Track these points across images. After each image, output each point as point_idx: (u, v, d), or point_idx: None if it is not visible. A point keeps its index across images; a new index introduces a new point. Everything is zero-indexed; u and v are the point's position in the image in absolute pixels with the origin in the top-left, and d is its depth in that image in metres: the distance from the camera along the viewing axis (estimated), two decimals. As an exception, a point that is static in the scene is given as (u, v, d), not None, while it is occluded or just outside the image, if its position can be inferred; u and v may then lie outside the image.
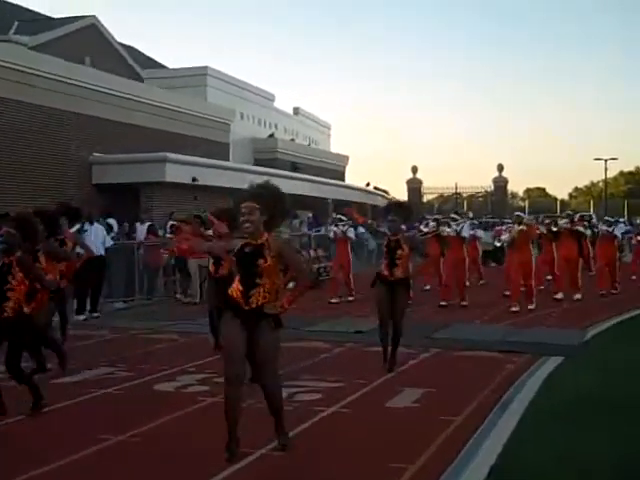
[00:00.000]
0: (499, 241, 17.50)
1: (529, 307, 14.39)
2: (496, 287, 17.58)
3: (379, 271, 9.03)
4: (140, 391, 8.05)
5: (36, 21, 32.00)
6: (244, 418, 5.82)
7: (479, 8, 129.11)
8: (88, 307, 13.79)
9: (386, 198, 48.01)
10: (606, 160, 54.98)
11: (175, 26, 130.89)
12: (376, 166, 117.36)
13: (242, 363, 5.60)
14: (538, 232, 16.17)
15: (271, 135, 40.57)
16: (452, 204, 46.77)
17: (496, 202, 42.67)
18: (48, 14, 35.31)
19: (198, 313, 12.86)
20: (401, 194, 48.40)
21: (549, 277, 17.38)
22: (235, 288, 5.64)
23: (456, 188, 45.25)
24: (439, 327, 12.12)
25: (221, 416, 5.71)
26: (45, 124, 22.89)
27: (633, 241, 21.54)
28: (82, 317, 13.38)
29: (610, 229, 17.97)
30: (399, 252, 8.80)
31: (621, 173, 77.24)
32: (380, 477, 5.34)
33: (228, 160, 32.14)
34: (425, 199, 46.89)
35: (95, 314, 13.81)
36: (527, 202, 52.41)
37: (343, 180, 45.26)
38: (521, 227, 14.77)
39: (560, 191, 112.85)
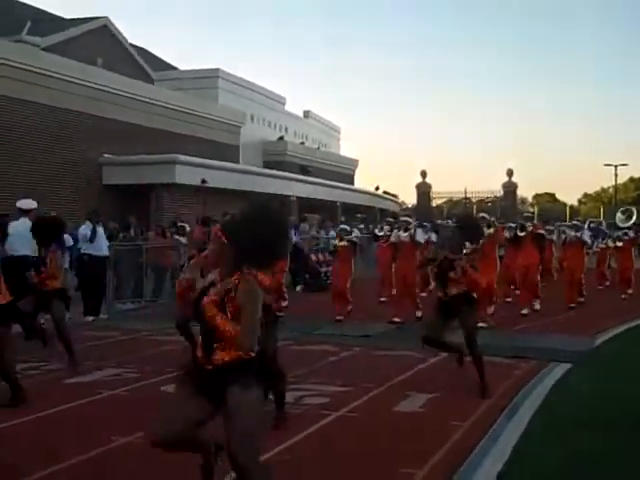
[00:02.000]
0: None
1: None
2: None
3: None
4: (148, 392, 8.05)
5: (48, 22, 32.10)
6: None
7: (495, 8, 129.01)
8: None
9: (395, 202, 48.07)
10: (616, 166, 54.91)
11: (187, 28, 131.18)
12: (386, 170, 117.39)
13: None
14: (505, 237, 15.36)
15: (281, 138, 40.61)
16: (461, 209, 46.67)
17: (505, 207, 42.51)
18: (60, 15, 35.45)
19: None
20: (410, 198, 48.42)
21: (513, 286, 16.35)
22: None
23: (465, 193, 45.15)
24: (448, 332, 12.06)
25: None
26: (56, 125, 22.98)
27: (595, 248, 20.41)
28: (91, 318, 13.41)
29: (578, 234, 16.53)
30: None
31: (631, 179, 76.94)
32: (387, 482, 5.33)
33: (238, 162, 32.20)
34: (434, 203, 46.80)
35: (101, 316, 13.82)
36: (536, 208, 52.30)
37: (352, 184, 45.26)
38: (489, 230, 13.57)
39: (570, 197, 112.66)
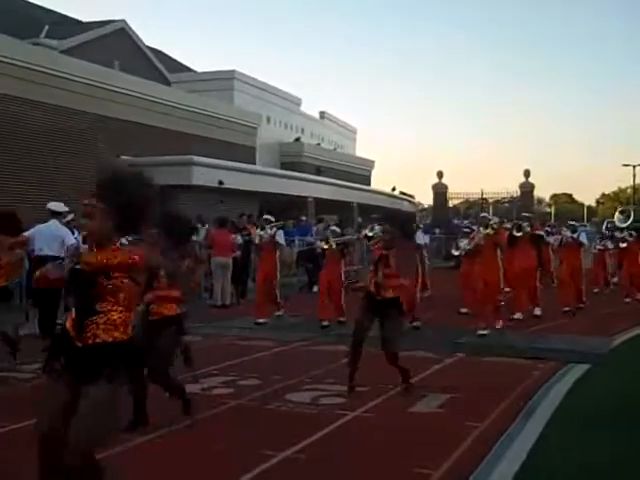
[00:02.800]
0: (457, 249, 14.97)
1: (480, 332, 11.90)
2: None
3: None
4: (164, 393, 8.04)
5: (66, 25, 32.29)
6: (264, 421, 5.83)
7: (511, 6, 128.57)
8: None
9: (412, 203, 47.96)
10: (634, 166, 54.63)
11: (203, 30, 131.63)
12: (402, 171, 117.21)
13: None
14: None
15: (297, 139, 40.64)
16: (478, 209, 46.53)
17: (522, 208, 42.30)
18: (78, 18, 35.65)
19: (222, 315, 12.88)
20: (427, 199, 48.32)
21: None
22: None
23: (482, 193, 44.99)
24: (464, 332, 12.03)
25: (244, 418, 5.72)
26: (73, 127, 23.07)
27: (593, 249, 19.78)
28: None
29: (575, 235, 15.71)
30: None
31: (650, 179, 76.48)
32: (403, 482, 5.31)
33: (254, 164, 32.23)
34: (451, 204, 46.66)
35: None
36: (553, 208, 52.07)
37: (369, 185, 45.20)
38: (487, 231, 12.52)
39: (587, 197, 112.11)
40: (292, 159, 37.81)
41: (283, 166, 36.40)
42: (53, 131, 22.24)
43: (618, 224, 21.76)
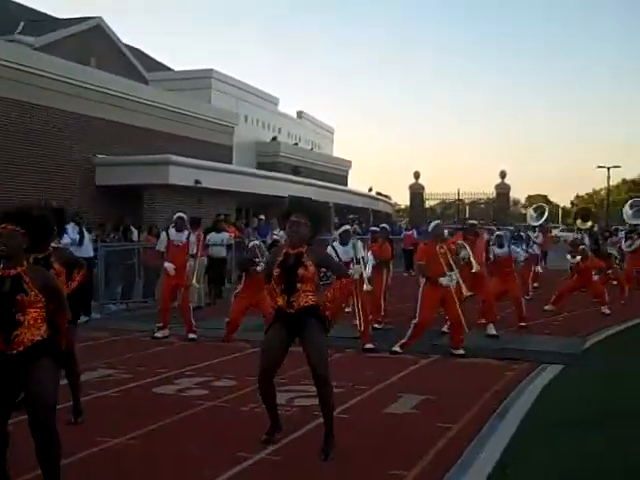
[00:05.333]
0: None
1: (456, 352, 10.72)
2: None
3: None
4: (139, 394, 8.04)
5: (42, 22, 32.03)
6: (240, 422, 5.84)
7: (482, 10, 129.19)
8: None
9: (388, 203, 48.08)
10: (609, 168, 55.15)
11: (181, 29, 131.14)
12: (379, 171, 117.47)
13: None
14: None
15: (274, 138, 40.59)
16: (454, 210, 46.72)
17: (498, 209, 42.62)
18: (54, 15, 35.38)
19: (197, 316, 12.84)
20: (404, 199, 48.45)
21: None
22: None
23: (458, 194, 45.20)
24: (440, 334, 12.08)
25: (220, 420, 5.72)
26: (49, 125, 22.92)
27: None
28: (84, 319, 13.35)
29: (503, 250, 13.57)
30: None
31: (624, 181, 77.35)
32: (377, 484, 5.33)
33: (231, 163, 32.17)
34: (427, 205, 46.84)
35: (93, 316, 13.80)
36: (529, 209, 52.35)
37: (345, 185, 45.25)
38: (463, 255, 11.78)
39: (562, 199, 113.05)
40: (269, 159, 37.76)
41: (260, 166, 36.35)
42: (27, 129, 22.07)
43: (531, 222, 21.63)
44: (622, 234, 21.85)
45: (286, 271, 5.87)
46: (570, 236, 19.98)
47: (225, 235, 17.73)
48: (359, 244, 11.64)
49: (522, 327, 13.30)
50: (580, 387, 8.76)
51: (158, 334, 11.99)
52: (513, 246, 14.26)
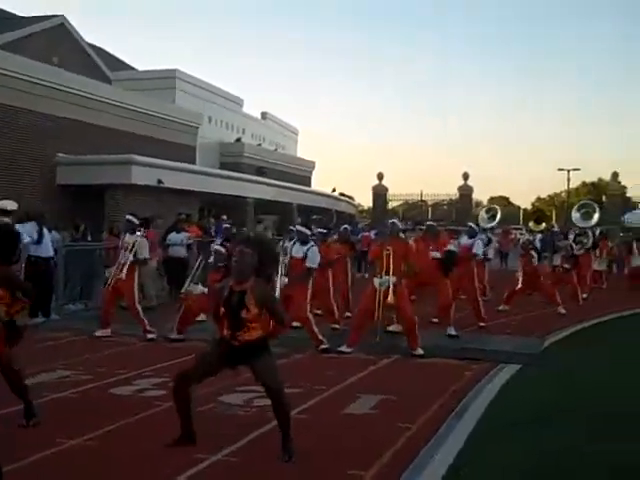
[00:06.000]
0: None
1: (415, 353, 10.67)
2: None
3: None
4: (97, 395, 7.94)
5: (4, 20, 31.63)
6: (197, 423, 5.80)
7: (448, 9, 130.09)
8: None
9: (351, 204, 48.15)
10: (569, 170, 55.80)
11: (145, 28, 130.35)
12: (343, 172, 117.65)
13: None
14: None
15: (238, 139, 40.45)
16: (417, 211, 46.89)
17: (460, 210, 42.80)
18: (16, 13, 34.93)
19: (156, 317, 12.74)
20: (367, 201, 48.57)
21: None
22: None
23: (421, 196, 45.35)
24: (400, 334, 12.10)
25: (177, 421, 5.68)
26: (11, 123, 22.62)
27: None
28: (41, 319, 13.17)
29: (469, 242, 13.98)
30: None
31: (583, 184, 78.33)
32: (334, 484, 5.31)
33: (195, 163, 32.00)
34: (390, 206, 46.95)
35: (53, 317, 13.62)
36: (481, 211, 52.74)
37: (309, 185, 45.24)
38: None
39: (523, 201, 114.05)
40: (233, 159, 37.61)
41: (223, 166, 36.19)
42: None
43: (483, 224, 21.67)
44: (571, 236, 22.04)
45: (230, 310, 5.72)
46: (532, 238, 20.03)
47: (185, 235, 17.55)
48: (315, 252, 11.51)
49: (481, 327, 13.40)
50: (538, 386, 8.83)
51: (98, 333, 11.94)
52: (479, 240, 14.31)
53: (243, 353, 5.75)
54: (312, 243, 11.78)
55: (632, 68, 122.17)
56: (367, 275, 15.27)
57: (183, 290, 12.00)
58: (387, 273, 10.71)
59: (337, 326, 12.70)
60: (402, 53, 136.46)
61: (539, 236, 19.91)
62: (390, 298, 10.65)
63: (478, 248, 14.01)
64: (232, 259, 5.86)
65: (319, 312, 13.61)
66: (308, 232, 12.05)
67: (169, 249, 17.11)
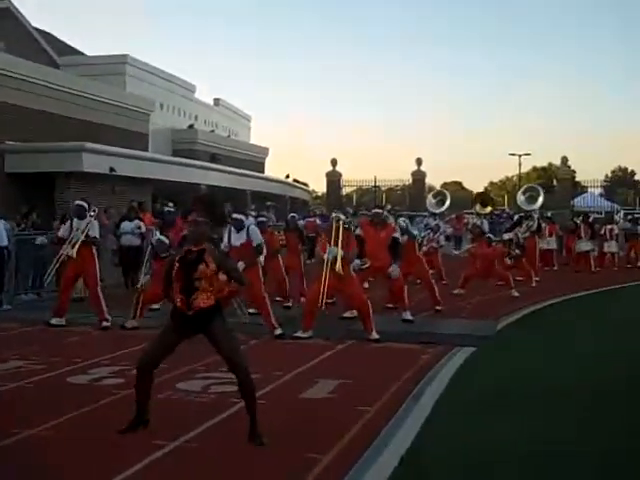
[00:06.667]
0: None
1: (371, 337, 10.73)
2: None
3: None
4: (53, 384, 7.89)
5: (-53, 4, 30.94)
6: (155, 411, 5.80)
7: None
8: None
9: (305, 190, 48.15)
10: (520, 155, 56.46)
11: (94, 13, 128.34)
12: (297, 159, 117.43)
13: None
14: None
15: (191, 126, 40.18)
16: (371, 197, 47.03)
17: (414, 195, 43.07)
18: (-40, -3, 34.17)
19: (115, 305, 12.63)
20: (321, 187, 48.59)
21: None
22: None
23: (375, 181, 45.47)
24: (355, 319, 12.19)
25: (135, 409, 5.67)
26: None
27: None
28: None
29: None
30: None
31: (534, 168, 79.37)
32: (294, 467, 5.35)
33: (147, 150, 31.70)
34: (344, 192, 47.03)
35: (4, 307, 13.49)
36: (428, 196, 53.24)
37: (263, 172, 45.13)
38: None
39: (476, 185, 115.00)
40: (185, 146, 37.33)
41: (176, 153, 35.88)
42: None
43: (431, 209, 21.70)
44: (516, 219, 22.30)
45: (186, 267, 5.75)
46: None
47: (136, 223, 17.30)
48: (255, 230, 11.76)
49: (437, 311, 13.55)
50: (492, 369, 8.98)
51: (53, 321, 11.85)
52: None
53: (198, 321, 5.78)
54: (249, 222, 11.92)
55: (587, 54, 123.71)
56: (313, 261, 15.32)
57: (139, 285, 11.95)
58: (335, 245, 10.81)
59: (289, 304, 12.82)
60: (357, 35, 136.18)
61: (485, 219, 20.14)
62: (338, 267, 10.66)
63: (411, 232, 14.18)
64: (188, 229, 6.05)
65: (278, 299, 13.69)
66: (243, 218, 12.10)
67: (122, 238, 16.95)
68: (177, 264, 5.79)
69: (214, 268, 5.74)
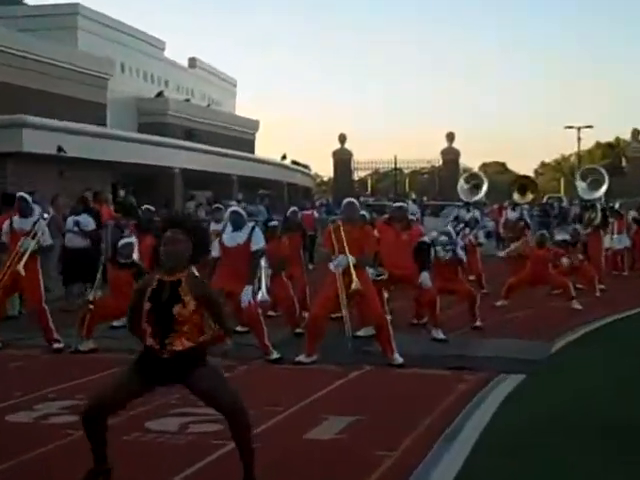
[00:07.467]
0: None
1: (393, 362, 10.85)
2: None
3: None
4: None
5: None
6: (121, 455, 5.78)
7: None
8: None
9: (307, 175, 48.14)
10: (579, 128, 56.23)
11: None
12: (295, 134, 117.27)
13: None
14: None
15: (160, 94, 40.26)
16: (390, 182, 47.09)
17: (445, 179, 43.06)
18: None
19: (65, 322, 12.65)
20: (327, 170, 48.56)
21: None
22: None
23: (395, 162, 45.45)
24: (372, 338, 12.19)
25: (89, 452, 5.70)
26: None
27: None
28: None
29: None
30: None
31: (597, 145, 78.85)
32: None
33: (105, 125, 31.78)
34: (356, 175, 47.10)
35: None
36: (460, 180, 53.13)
37: (252, 152, 45.21)
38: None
39: (524, 167, 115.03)
40: (154, 119, 37.45)
41: (142, 128, 36.01)
42: None
43: (463, 197, 21.46)
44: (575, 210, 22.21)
45: (158, 307, 5.68)
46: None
47: (83, 218, 16.76)
48: (259, 233, 11.67)
49: (475, 328, 13.54)
50: (546, 400, 8.94)
51: None
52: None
53: (175, 367, 5.72)
54: (252, 224, 11.85)
55: None
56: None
57: (91, 298, 11.85)
58: (343, 253, 10.81)
59: (301, 330, 12.78)
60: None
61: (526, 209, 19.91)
62: (355, 284, 10.69)
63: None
64: (162, 247, 5.80)
65: (273, 313, 13.71)
66: (244, 214, 12.10)
67: (65, 237, 16.63)
68: (147, 304, 5.70)
69: (193, 307, 5.67)
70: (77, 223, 16.53)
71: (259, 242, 11.49)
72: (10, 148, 23.45)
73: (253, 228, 11.58)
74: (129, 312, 5.99)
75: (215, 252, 11.32)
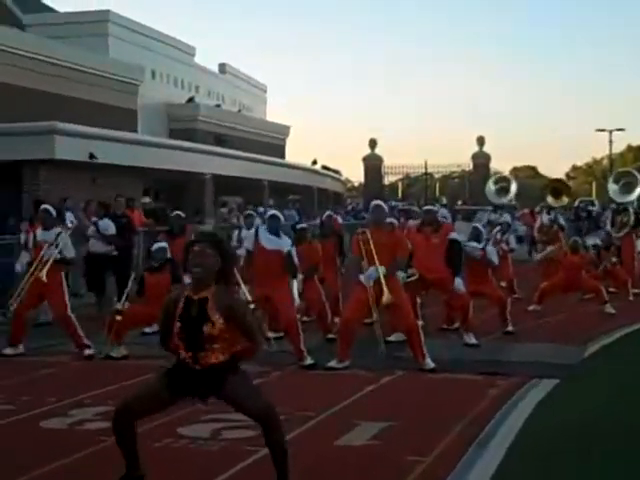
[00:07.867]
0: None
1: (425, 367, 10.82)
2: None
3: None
4: (24, 429, 7.95)
5: None
6: (154, 462, 5.80)
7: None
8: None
9: (338, 180, 48.17)
10: (611, 131, 55.98)
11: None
12: (326, 140, 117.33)
13: None
14: None
15: (190, 99, 40.37)
16: (421, 187, 47.01)
17: (475, 184, 42.91)
18: None
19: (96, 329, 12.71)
20: (357, 175, 48.52)
21: None
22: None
23: (426, 167, 45.44)
24: (403, 343, 12.18)
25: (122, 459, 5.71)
26: None
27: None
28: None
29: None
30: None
31: (629, 148, 78.31)
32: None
33: (136, 131, 31.90)
34: (387, 180, 47.05)
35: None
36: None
37: (283, 157, 45.26)
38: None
39: (555, 170, 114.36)
40: (185, 125, 37.55)
41: (172, 134, 36.13)
42: None
43: (492, 200, 21.35)
44: (607, 214, 21.99)
45: (189, 326, 5.66)
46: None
47: (104, 223, 16.62)
48: (294, 253, 11.67)
49: (508, 333, 13.49)
50: (579, 406, 8.90)
51: (7, 350, 11.96)
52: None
53: (208, 379, 5.72)
54: (288, 240, 11.85)
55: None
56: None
57: (119, 307, 11.87)
58: (372, 264, 10.81)
59: (333, 336, 12.78)
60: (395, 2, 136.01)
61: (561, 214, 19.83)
62: (386, 297, 10.70)
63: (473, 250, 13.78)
64: (189, 261, 5.75)
65: (306, 319, 13.72)
66: (282, 219, 12.14)
67: (89, 242, 16.60)
68: (178, 323, 5.69)
69: (221, 325, 5.63)
70: (96, 225, 16.60)
71: (287, 243, 11.61)
72: (43, 155, 23.53)
73: (289, 249, 11.58)
74: (160, 330, 6.01)
75: (249, 245, 11.69)
